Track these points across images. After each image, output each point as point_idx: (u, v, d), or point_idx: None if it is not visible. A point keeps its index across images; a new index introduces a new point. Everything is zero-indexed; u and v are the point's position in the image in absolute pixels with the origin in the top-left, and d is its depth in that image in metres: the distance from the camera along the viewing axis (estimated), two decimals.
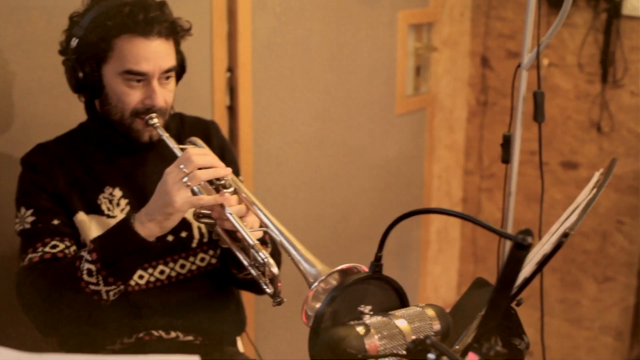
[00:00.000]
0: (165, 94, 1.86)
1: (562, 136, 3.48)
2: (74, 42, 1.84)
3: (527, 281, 1.37)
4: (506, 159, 1.90)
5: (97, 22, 1.81)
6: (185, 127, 2.06)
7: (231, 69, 2.73)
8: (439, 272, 3.96)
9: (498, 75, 3.68)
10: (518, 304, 1.54)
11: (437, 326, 1.34)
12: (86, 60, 1.83)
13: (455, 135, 3.84)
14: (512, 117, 1.87)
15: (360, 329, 1.27)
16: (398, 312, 1.32)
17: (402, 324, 1.29)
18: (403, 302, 1.38)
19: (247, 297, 2.23)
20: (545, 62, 3.42)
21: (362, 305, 1.31)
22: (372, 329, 1.27)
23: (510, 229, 1.89)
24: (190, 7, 2.53)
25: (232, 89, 2.75)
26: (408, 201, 3.60)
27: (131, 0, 1.83)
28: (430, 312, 1.35)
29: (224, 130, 2.75)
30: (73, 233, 1.86)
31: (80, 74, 1.83)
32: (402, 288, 1.38)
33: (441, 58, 3.62)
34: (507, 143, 1.89)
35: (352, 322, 1.29)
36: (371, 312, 1.31)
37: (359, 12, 3.12)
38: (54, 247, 1.81)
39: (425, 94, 3.59)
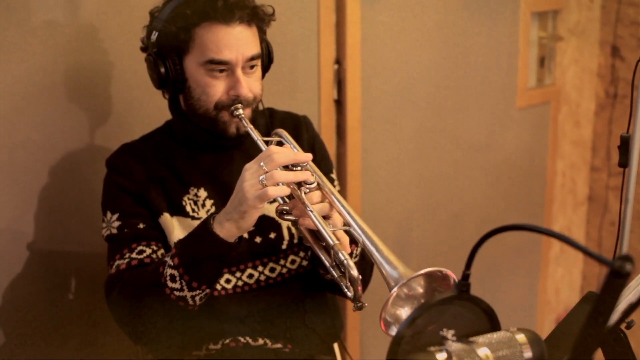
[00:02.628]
0: (250, 83, 1.79)
1: None
2: (154, 35, 1.80)
3: (634, 306, 1.23)
4: (624, 162, 1.74)
5: (176, 12, 1.76)
6: (275, 122, 1.99)
7: (339, 61, 2.64)
8: (561, 274, 3.77)
9: (629, 66, 3.46)
10: (628, 327, 1.41)
11: (528, 353, 1.21)
12: (167, 53, 1.78)
13: (582, 130, 3.64)
14: (631, 116, 1.71)
15: (441, 356, 1.16)
16: (482, 339, 1.20)
17: (484, 352, 1.17)
18: (493, 325, 1.27)
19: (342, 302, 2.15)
20: None
21: (445, 329, 1.20)
22: (455, 357, 1.16)
23: (626, 242, 1.74)
24: None
25: (339, 82, 2.66)
26: (529, 200, 3.44)
27: None
28: (521, 337, 1.22)
29: (332, 124, 2.69)
30: (160, 235, 1.82)
31: (162, 69, 1.78)
32: (492, 309, 1.26)
33: (567, 47, 3.43)
34: (625, 145, 1.73)
35: (432, 348, 1.19)
36: (454, 338, 1.20)
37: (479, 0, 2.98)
38: (141, 252, 1.78)
39: (549, 86, 3.41)
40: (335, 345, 2.07)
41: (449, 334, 1.20)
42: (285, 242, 1.90)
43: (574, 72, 3.50)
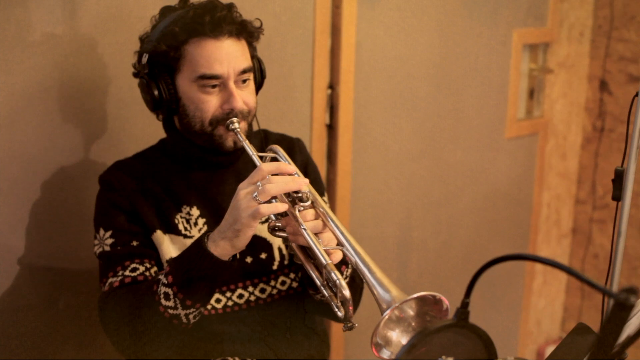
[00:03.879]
0: (244, 96, 1.79)
1: None
2: (145, 58, 1.80)
3: (632, 339, 1.23)
4: (617, 195, 1.75)
5: (165, 31, 1.76)
6: (269, 143, 1.98)
7: (332, 85, 2.65)
8: (543, 305, 3.78)
9: (617, 101, 3.49)
10: None
11: None
12: (159, 73, 1.78)
13: (568, 163, 3.66)
14: (626, 150, 1.73)
15: None
16: None
17: None
18: (490, 354, 1.27)
19: (335, 324, 2.15)
20: None
21: (443, 357, 1.20)
22: None
23: (617, 272, 1.75)
24: (293, 21, 2.48)
25: (332, 107, 2.67)
26: (514, 229, 3.45)
27: (197, 5, 1.79)
28: None
29: (322, 149, 2.69)
30: (153, 253, 1.82)
31: (155, 91, 1.78)
32: (489, 338, 1.26)
33: (557, 80, 3.45)
34: (619, 178, 1.74)
35: None
36: None
37: (470, 29, 3.00)
38: (134, 270, 1.77)
39: (538, 118, 3.43)
40: None
41: None
42: (276, 263, 1.90)
43: (562, 105, 3.53)
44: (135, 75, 1.87)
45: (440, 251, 3.16)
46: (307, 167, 2.01)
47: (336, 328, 2.73)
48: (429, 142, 3.00)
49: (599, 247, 3.68)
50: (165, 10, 1.84)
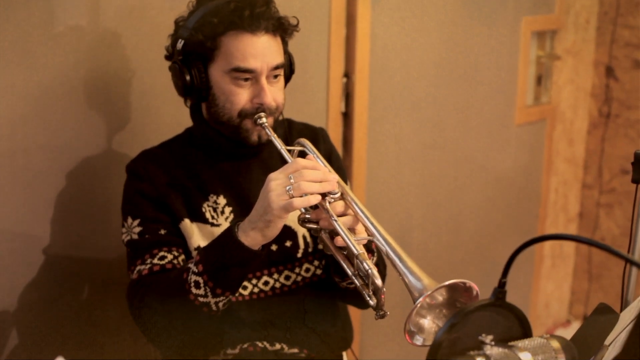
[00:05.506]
0: (274, 92, 1.81)
1: None
2: (180, 44, 1.81)
3: None
4: (637, 178, 1.78)
5: (203, 21, 1.77)
6: (293, 133, 2.01)
7: (348, 74, 2.68)
8: (552, 289, 3.83)
9: (623, 87, 3.53)
10: None
11: (562, 359, 1.26)
12: (193, 61, 1.80)
13: (575, 148, 3.71)
14: None
15: None
16: (521, 344, 1.24)
17: (526, 357, 1.21)
18: (526, 332, 1.30)
19: (353, 313, 2.18)
20: None
21: (483, 335, 1.24)
22: None
23: (637, 252, 1.78)
24: (309, 11, 2.51)
25: (348, 95, 2.70)
26: (523, 215, 3.49)
27: None
28: (555, 343, 1.26)
29: (338, 136, 2.72)
30: (180, 241, 1.84)
31: (188, 77, 1.79)
32: (525, 317, 1.30)
33: (564, 67, 3.49)
34: (638, 161, 1.77)
35: (471, 352, 1.22)
36: (492, 342, 1.23)
37: (481, 18, 3.04)
38: (162, 258, 1.80)
39: (545, 105, 3.47)
40: (345, 354, 2.10)
41: (488, 338, 1.24)
42: (301, 251, 1.93)
43: (569, 91, 3.56)
44: (167, 57, 1.89)
45: (454, 241, 3.20)
46: (330, 156, 2.03)
47: (354, 318, 2.77)
48: (442, 130, 3.04)
49: (606, 230, 3.72)
50: None
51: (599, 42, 3.58)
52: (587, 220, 3.80)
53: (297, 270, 1.93)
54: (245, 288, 1.87)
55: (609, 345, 1.36)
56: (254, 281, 1.89)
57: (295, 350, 1.92)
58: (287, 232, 1.91)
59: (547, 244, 3.69)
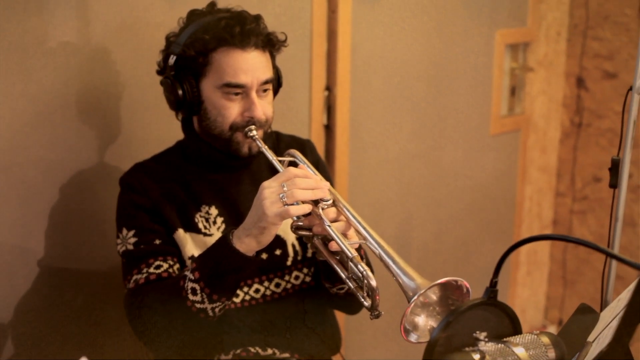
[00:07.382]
0: (264, 106, 1.86)
1: None
2: (172, 59, 1.86)
3: None
4: (614, 183, 1.87)
5: (195, 37, 1.82)
6: (281, 145, 2.07)
7: (329, 87, 2.74)
8: (527, 295, 3.90)
9: (593, 97, 3.61)
10: None
11: (552, 354, 1.32)
12: (185, 76, 1.85)
13: (548, 157, 3.79)
14: (622, 140, 1.85)
15: (476, 356, 1.26)
16: (514, 339, 1.31)
17: (520, 351, 1.28)
18: (516, 329, 1.37)
19: (339, 317, 2.23)
20: None
21: (477, 332, 1.30)
22: (488, 356, 1.27)
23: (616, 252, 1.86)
24: (292, 26, 2.57)
25: (329, 108, 2.76)
26: (499, 222, 3.57)
27: (227, 15, 1.85)
28: (545, 339, 1.33)
29: (321, 148, 2.78)
30: (175, 251, 1.88)
31: (180, 91, 1.84)
32: (516, 315, 1.37)
33: (536, 78, 3.58)
34: (615, 167, 1.86)
35: (467, 349, 1.29)
36: (486, 339, 1.30)
37: (457, 32, 3.12)
38: (158, 267, 1.84)
39: (519, 115, 3.55)
40: (334, 359, 2.15)
41: (482, 335, 1.30)
42: (290, 259, 1.98)
43: (541, 101, 3.65)
44: (159, 72, 1.93)
45: (434, 248, 3.27)
46: (317, 168, 2.08)
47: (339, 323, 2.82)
48: (421, 141, 3.10)
49: (579, 237, 3.77)
50: (193, 14, 1.90)
51: (570, 54, 3.67)
52: (561, 227, 3.88)
53: (287, 277, 1.98)
54: (237, 296, 1.92)
55: (593, 342, 1.43)
56: (246, 289, 1.93)
57: (287, 355, 1.97)
58: (277, 241, 1.96)
59: (523, 251, 3.76)
